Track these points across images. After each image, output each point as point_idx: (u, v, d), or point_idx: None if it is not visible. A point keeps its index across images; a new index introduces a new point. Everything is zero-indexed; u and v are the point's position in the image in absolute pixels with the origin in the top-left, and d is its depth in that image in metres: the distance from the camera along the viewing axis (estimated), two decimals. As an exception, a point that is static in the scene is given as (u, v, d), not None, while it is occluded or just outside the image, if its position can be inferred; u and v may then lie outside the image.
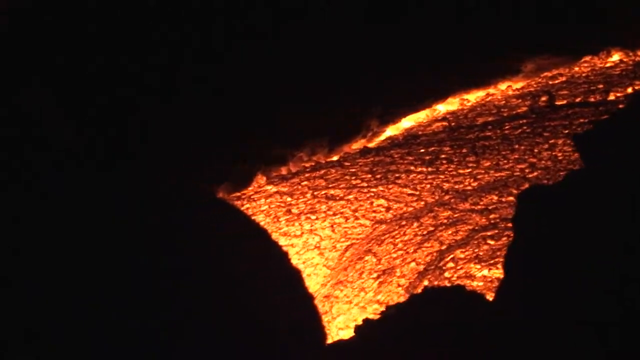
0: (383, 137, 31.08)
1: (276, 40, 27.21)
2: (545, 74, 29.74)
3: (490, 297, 19.48)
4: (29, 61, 20.86)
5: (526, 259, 13.74)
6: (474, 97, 30.95)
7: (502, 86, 30.64)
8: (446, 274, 21.48)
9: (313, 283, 25.66)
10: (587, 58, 29.81)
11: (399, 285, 22.83)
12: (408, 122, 31.29)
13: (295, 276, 26.04)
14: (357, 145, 30.79)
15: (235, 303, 12.54)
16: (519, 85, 30.13)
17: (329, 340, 23.50)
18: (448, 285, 21.17)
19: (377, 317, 16.66)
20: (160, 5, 24.87)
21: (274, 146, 29.41)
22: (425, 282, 21.91)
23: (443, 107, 31.26)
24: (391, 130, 31.22)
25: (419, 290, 21.80)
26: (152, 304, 11.85)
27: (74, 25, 23.26)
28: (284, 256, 26.68)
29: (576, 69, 29.29)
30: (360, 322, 22.56)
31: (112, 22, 24.21)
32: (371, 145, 30.46)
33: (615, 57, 29.46)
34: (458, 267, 21.42)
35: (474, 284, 20.69)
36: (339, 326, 23.46)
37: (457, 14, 28.71)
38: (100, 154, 20.24)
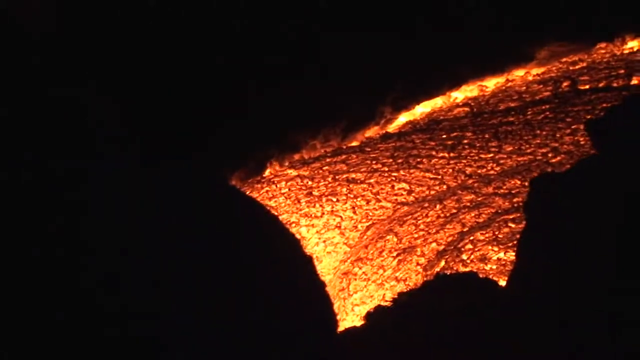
0: (396, 124, 31.07)
1: (289, 27, 27.18)
2: (565, 59, 29.67)
3: (502, 280, 19.74)
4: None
5: (541, 244, 13.77)
6: (492, 83, 30.89)
7: (518, 73, 30.63)
8: (463, 256, 21.77)
9: (332, 260, 26.04)
10: (602, 45, 29.77)
11: (417, 264, 23.16)
12: (423, 108, 31.30)
13: (315, 254, 26.38)
14: (370, 132, 30.75)
15: (251, 282, 12.60)
16: (540, 71, 30.06)
17: (343, 317, 23.83)
18: (462, 267, 21.43)
19: (388, 304, 16.67)
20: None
21: (287, 133, 29.41)
22: (442, 263, 22.16)
23: (459, 94, 31.24)
24: (405, 117, 31.18)
25: (437, 269, 22.07)
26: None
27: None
28: (304, 235, 27.01)
29: (595, 54, 29.26)
30: (374, 303, 23.08)
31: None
32: (389, 130, 30.52)
33: (634, 43, 29.43)
34: (476, 249, 21.68)
35: (487, 267, 20.95)
36: (355, 302, 23.79)
37: (470, 2, 28.57)
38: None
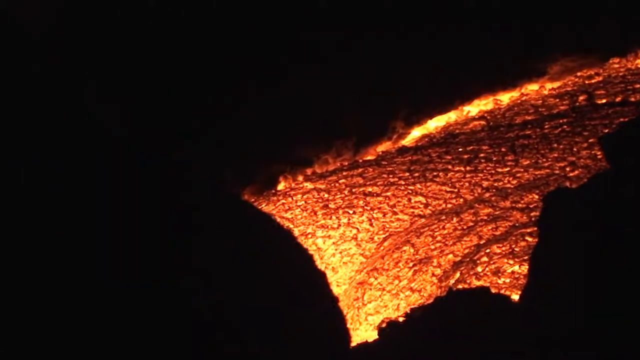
0: (409, 138, 31.20)
1: (304, 44, 27.31)
2: (581, 73, 29.85)
3: (515, 295, 19.80)
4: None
5: (555, 259, 13.63)
6: (507, 97, 31.04)
7: (532, 87, 30.76)
8: (478, 268, 21.81)
9: (348, 271, 26.16)
10: (615, 60, 29.91)
11: (433, 275, 23.21)
12: (435, 123, 31.44)
13: (331, 265, 26.49)
14: (382, 147, 31.03)
15: (266, 291, 12.60)
16: (555, 85, 30.22)
17: (356, 326, 23.93)
18: (476, 280, 21.48)
19: (401, 319, 16.67)
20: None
21: (299, 148, 29.53)
22: (457, 274, 22.23)
23: (472, 108, 31.37)
24: (418, 131, 31.34)
25: (451, 280, 22.14)
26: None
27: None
28: (320, 247, 27.13)
29: (610, 69, 29.40)
30: (388, 313, 23.18)
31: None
32: (404, 144, 30.65)
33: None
34: (491, 262, 21.72)
35: (501, 280, 20.98)
36: (369, 312, 23.86)
37: (481, 18, 28.71)
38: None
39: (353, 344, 23.27)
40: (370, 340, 22.89)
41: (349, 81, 28.11)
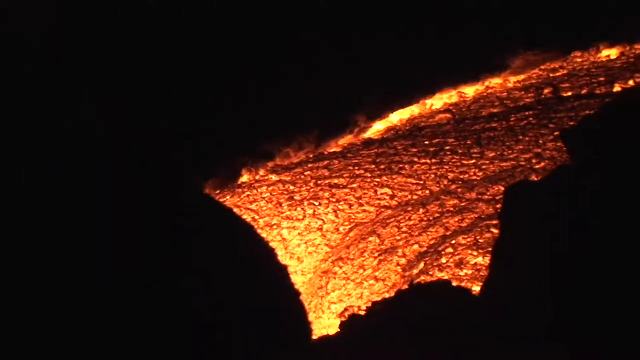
0: (371, 132, 31.26)
1: (264, 35, 27.15)
2: (545, 66, 30.09)
3: (477, 286, 20.00)
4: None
5: (516, 251, 13.79)
6: (472, 90, 31.20)
7: (496, 81, 30.97)
8: (443, 260, 21.95)
9: (314, 260, 26.24)
10: (578, 54, 30.19)
11: (398, 265, 23.34)
12: (398, 117, 31.51)
13: (296, 255, 26.54)
14: (344, 141, 31.03)
15: (225, 285, 12.58)
16: (520, 78, 30.42)
17: (319, 315, 24.03)
18: (439, 272, 21.63)
19: (362, 312, 16.68)
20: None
21: (260, 141, 29.48)
22: (422, 265, 22.36)
23: (436, 102, 31.49)
24: (380, 125, 31.40)
25: (415, 271, 22.28)
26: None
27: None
28: (285, 237, 27.16)
29: (576, 62, 29.69)
30: (351, 302, 23.30)
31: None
32: (371, 137, 30.70)
33: (613, 51, 29.86)
34: (456, 253, 21.86)
35: (463, 272, 21.14)
36: (332, 301, 24.01)
37: (442, 13, 28.81)
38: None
39: (316, 335, 23.55)
40: (332, 328, 23.15)
41: (311, 75, 27.99)
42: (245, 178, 30.36)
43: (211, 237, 12.70)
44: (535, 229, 13.30)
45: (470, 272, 21.17)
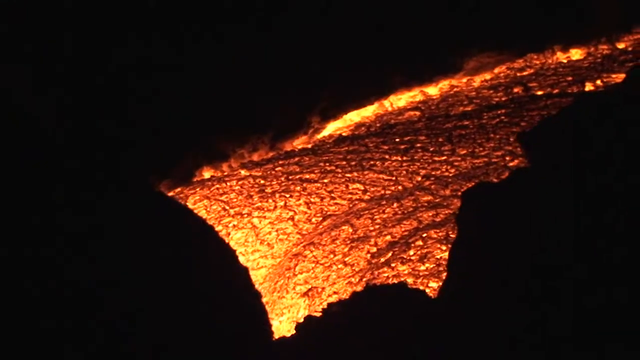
0: (325, 132, 31.61)
1: (222, 37, 27.09)
2: (513, 65, 30.61)
3: (433, 282, 20.54)
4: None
5: (475, 249, 13.88)
6: (436, 90, 31.61)
7: (454, 82, 31.39)
8: (410, 252, 22.36)
9: (284, 246, 26.48)
10: (534, 56, 30.78)
11: (368, 252, 23.73)
12: (352, 117, 31.81)
13: (266, 241, 26.76)
14: (298, 141, 31.36)
15: (182, 290, 12.64)
16: (488, 77, 30.89)
17: (283, 294, 24.34)
18: (400, 265, 22.03)
19: (318, 314, 16.72)
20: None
21: (215, 142, 29.55)
22: (390, 254, 22.75)
23: (387, 103, 31.82)
24: (334, 125, 31.71)
25: (382, 259, 22.67)
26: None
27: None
28: (255, 225, 27.36)
29: (541, 62, 30.26)
30: (317, 284, 23.63)
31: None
32: (341, 134, 30.92)
33: (578, 51, 30.49)
34: (425, 246, 22.31)
35: (423, 267, 21.61)
36: (298, 282, 24.31)
37: (396, 13, 29.03)
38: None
39: (275, 314, 23.87)
40: (293, 307, 23.44)
41: (264, 74, 28.07)
42: (207, 174, 30.39)
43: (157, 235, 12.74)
44: (496, 232, 13.42)
45: (431, 266, 21.59)
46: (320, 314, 16.35)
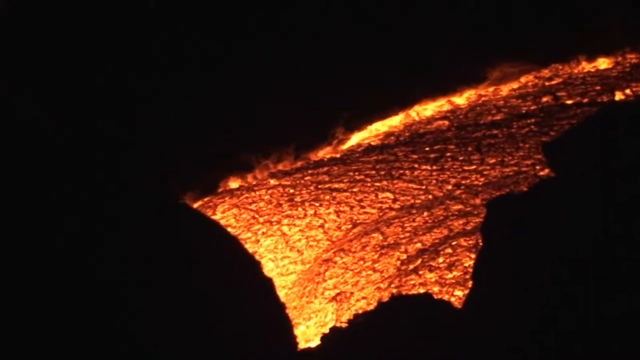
0: (351, 143, 31.65)
1: (244, 50, 27.24)
2: (541, 74, 30.58)
3: (459, 291, 20.72)
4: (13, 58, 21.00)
5: (499, 262, 13.97)
6: (463, 99, 31.53)
7: (465, 94, 31.43)
8: (439, 259, 22.50)
9: (314, 252, 26.69)
10: (559, 66, 30.72)
11: (398, 259, 23.94)
12: (378, 127, 31.88)
13: (296, 248, 26.97)
14: (323, 152, 31.44)
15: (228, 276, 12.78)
16: (515, 86, 30.86)
17: (311, 299, 24.52)
18: (429, 273, 22.15)
19: (344, 325, 16.68)
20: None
21: (239, 154, 29.69)
22: (419, 261, 22.90)
23: (412, 113, 31.82)
24: (360, 136, 31.75)
25: (411, 266, 22.82)
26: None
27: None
28: (285, 232, 27.54)
29: (575, 71, 30.22)
30: (347, 289, 23.77)
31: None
32: (370, 143, 31.01)
33: (606, 60, 30.44)
34: (453, 254, 22.40)
35: (450, 275, 21.77)
36: (327, 287, 24.52)
37: (419, 24, 29.09)
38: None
39: (303, 318, 24.01)
40: (321, 312, 23.58)
41: (288, 87, 28.24)
42: (235, 184, 30.57)
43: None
44: (521, 240, 13.47)
45: (458, 274, 21.74)
46: (346, 324, 16.40)
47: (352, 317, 17.02)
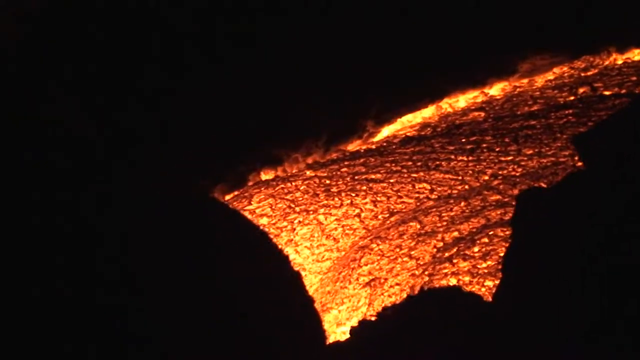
0: (380, 136, 31.91)
1: (272, 42, 27.36)
2: (577, 65, 30.61)
3: (489, 281, 21.05)
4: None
5: (528, 255, 14.08)
6: (498, 89, 31.63)
7: (499, 86, 31.54)
8: (475, 248, 22.75)
9: (350, 240, 26.97)
10: (590, 57, 30.71)
11: (435, 247, 24.23)
12: (409, 119, 32.12)
13: (332, 236, 27.32)
14: (353, 145, 31.72)
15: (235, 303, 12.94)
16: (550, 77, 30.93)
17: (345, 285, 24.83)
18: (462, 262, 22.42)
19: (373, 318, 16.80)
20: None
21: (269, 147, 30.02)
22: (455, 249, 23.24)
23: (444, 105, 31.95)
24: (388, 130, 32.01)
25: (447, 254, 23.04)
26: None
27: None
28: (321, 221, 27.89)
29: (608, 62, 30.21)
30: (381, 275, 24.02)
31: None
32: (407, 134, 31.22)
33: (638, 51, 30.41)
34: (490, 243, 22.62)
35: (484, 264, 22.00)
36: (362, 273, 24.86)
37: (448, 15, 29.12)
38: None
39: (336, 304, 24.32)
40: (354, 297, 23.89)
41: (318, 79, 28.39)
42: (265, 177, 30.87)
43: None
44: (553, 232, 13.54)
45: (492, 264, 21.93)
46: (375, 317, 16.72)
47: (381, 309, 17.25)
